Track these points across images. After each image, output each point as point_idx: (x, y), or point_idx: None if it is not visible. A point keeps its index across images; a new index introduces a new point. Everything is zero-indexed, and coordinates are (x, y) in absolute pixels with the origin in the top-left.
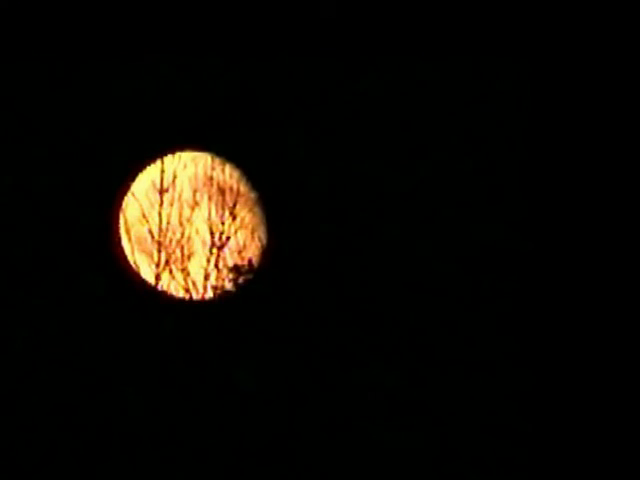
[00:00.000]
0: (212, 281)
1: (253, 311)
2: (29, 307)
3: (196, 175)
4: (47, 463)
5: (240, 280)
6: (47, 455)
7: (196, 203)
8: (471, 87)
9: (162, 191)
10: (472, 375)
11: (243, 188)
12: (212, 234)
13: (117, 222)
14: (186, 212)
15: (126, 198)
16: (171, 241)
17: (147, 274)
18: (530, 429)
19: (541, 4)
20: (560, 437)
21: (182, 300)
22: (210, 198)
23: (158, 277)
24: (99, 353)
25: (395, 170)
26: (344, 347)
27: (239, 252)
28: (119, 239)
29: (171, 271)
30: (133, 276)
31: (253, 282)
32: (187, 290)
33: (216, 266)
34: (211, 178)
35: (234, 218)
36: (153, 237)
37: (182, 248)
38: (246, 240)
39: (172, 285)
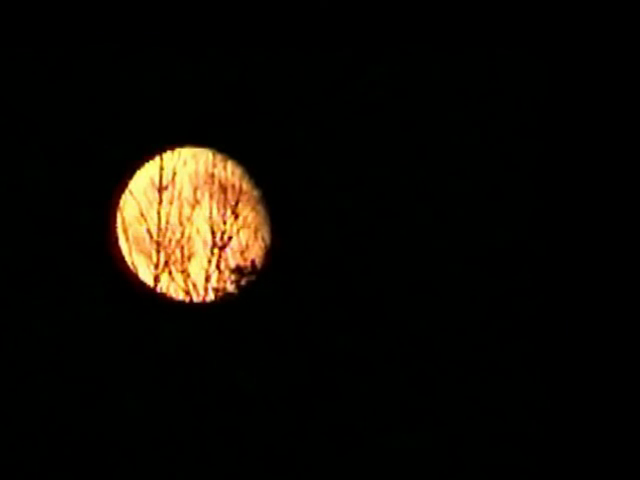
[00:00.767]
0: (213, 283)
1: (256, 314)
2: (21, 310)
3: (197, 172)
4: (45, 467)
5: (242, 282)
6: (45, 459)
7: (197, 201)
8: (484, 81)
9: (161, 189)
10: (481, 379)
11: (246, 186)
12: (213, 234)
13: (114, 221)
14: (186, 211)
15: (123, 196)
16: (170, 241)
17: (145, 275)
18: (542, 435)
19: None
20: (571, 443)
21: (182, 303)
22: (211, 196)
23: (157, 279)
24: (96, 359)
25: (405, 167)
26: (351, 352)
27: (241, 252)
28: (116, 239)
29: (170, 272)
30: (131, 278)
31: (256, 284)
32: (187, 292)
33: (217, 267)
34: (212, 175)
35: (236, 217)
36: (152, 237)
37: (182, 248)
38: (249, 240)
39: (172, 287)
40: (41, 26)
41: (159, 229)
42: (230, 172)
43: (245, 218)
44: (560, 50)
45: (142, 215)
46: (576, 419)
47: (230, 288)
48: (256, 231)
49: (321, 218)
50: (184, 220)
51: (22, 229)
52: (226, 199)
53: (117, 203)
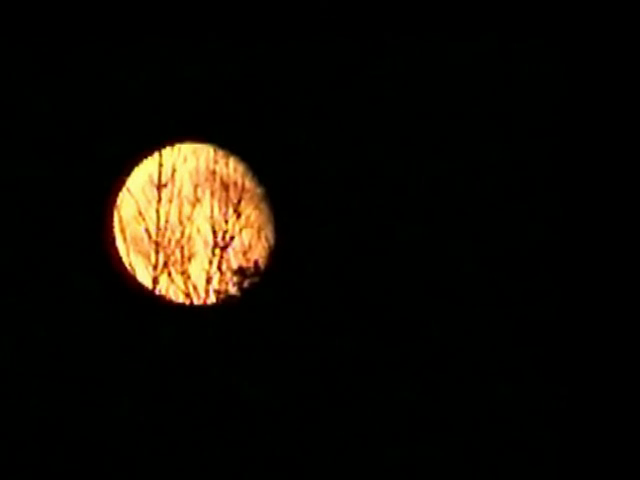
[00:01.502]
0: (214, 285)
1: (259, 318)
2: (13, 314)
3: (197, 169)
4: (41, 470)
5: (245, 284)
6: (41, 463)
7: (197, 200)
8: (498, 74)
9: (160, 186)
10: (491, 383)
11: (248, 183)
12: (215, 233)
13: (111, 220)
14: (186, 209)
15: (121, 194)
16: (170, 241)
17: (144, 277)
18: (560, 447)
19: None
20: (588, 452)
21: (182, 305)
22: (212, 194)
23: (156, 280)
24: (92, 365)
25: (414, 164)
26: (359, 358)
27: (244, 253)
28: (113, 239)
29: (170, 274)
30: (128, 279)
31: (259, 286)
32: (187, 294)
33: (219, 268)
34: (213, 172)
35: (239, 216)
36: (150, 237)
37: (182, 249)
38: (252, 240)
39: (171, 289)
40: (37, 18)
41: (158, 229)
42: (232, 169)
43: (248, 217)
44: (576, 41)
45: (140, 214)
46: (592, 425)
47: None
48: (259, 230)
49: (327, 217)
50: (184, 219)
51: (14, 229)
52: (228, 197)
53: (114, 202)
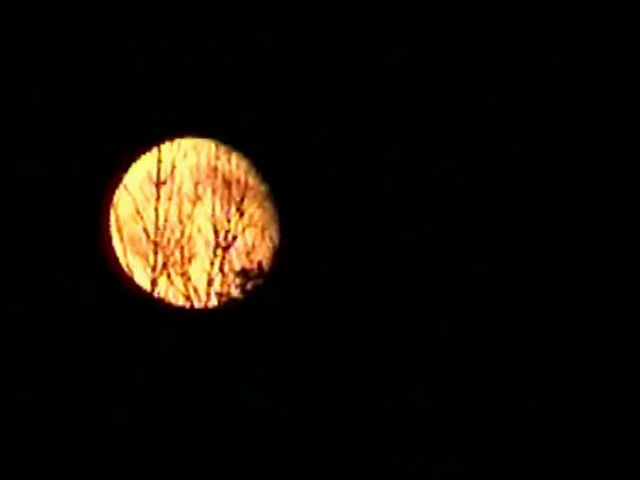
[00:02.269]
0: (216, 287)
1: (262, 321)
2: (7, 315)
3: (198, 165)
4: (38, 474)
5: (248, 286)
6: (38, 467)
7: (198, 198)
8: (516, 62)
9: (159, 184)
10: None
11: (252, 180)
12: (216, 233)
13: (107, 220)
14: (186, 208)
15: (118, 192)
16: (169, 241)
17: (142, 279)
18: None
19: None
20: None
21: (182, 309)
22: (214, 192)
23: (154, 282)
24: (88, 370)
25: (424, 160)
26: (366, 363)
27: (247, 254)
28: (110, 239)
29: (169, 275)
30: (126, 281)
31: (263, 288)
32: (188, 297)
33: (221, 270)
34: (215, 169)
35: (241, 215)
36: (149, 236)
37: (182, 249)
38: (255, 240)
39: (170, 291)
40: (31, 13)
41: (157, 228)
42: (235, 165)
43: (251, 216)
44: (597, 28)
45: (138, 213)
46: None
47: (234, 292)
48: (263, 230)
49: (333, 216)
50: (184, 218)
51: (6, 227)
52: (230, 195)
53: (111, 199)
